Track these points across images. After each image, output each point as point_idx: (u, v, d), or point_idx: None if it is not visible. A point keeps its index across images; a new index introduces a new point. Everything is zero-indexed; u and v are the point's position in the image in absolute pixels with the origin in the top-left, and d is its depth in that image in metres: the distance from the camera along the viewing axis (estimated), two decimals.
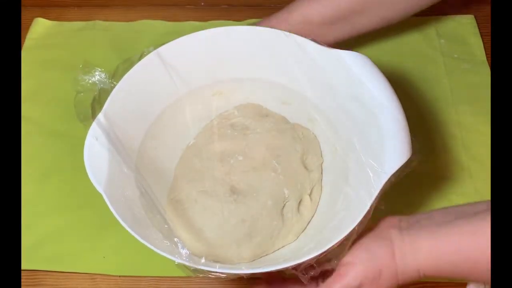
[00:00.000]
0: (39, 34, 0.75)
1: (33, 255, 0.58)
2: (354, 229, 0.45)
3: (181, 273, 0.47)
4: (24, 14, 0.76)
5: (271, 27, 0.56)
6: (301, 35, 0.55)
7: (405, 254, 0.46)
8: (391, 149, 0.48)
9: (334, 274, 0.47)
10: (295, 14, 0.60)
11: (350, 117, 0.53)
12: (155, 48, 0.55)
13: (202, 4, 0.80)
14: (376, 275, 0.46)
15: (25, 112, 0.66)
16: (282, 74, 0.58)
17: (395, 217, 0.49)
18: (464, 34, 0.72)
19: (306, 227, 0.54)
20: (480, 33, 0.72)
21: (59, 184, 0.63)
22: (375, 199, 0.46)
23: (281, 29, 0.55)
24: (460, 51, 0.71)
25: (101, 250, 0.59)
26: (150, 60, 0.54)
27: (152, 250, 0.45)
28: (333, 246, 0.45)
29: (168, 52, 0.55)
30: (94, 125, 0.50)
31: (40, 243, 0.59)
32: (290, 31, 0.55)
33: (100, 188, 0.47)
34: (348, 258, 0.47)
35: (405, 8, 0.62)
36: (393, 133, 0.48)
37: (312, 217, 0.55)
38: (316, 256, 0.45)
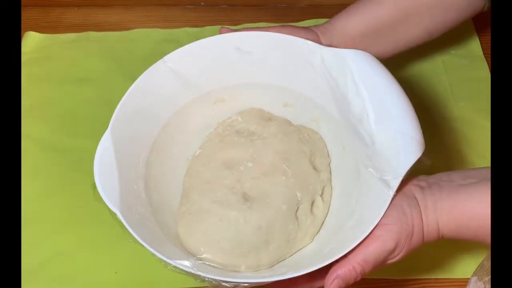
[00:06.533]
0: (31, 48, 0.73)
1: (38, 275, 0.56)
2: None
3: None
4: (24, 14, 0.75)
5: (308, 39, 0.55)
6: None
7: (428, 213, 0.46)
8: (404, 146, 0.48)
9: (367, 237, 0.45)
10: (337, 26, 0.60)
11: (357, 115, 0.53)
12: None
13: (202, 4, 0.80)
14: (409, 234, 0.45)
15: (23, 128, 0.64)
16: (282, 77, 0.58)
17: (413, 176, 0.48)
18: (460, 30, 0.73)
19: (320, 228, 0.54)
20: (475, 28, 0.74)
21: (62, 201, 0.61)
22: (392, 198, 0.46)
23: (320, 43, 0.55)
24: (457, 47, 0.72)
25: (113, 267, 0.58)
26: (154, 70, 0.54)
27: (163, 264, 0.46)
28: (360, 243, 0.45)
29: (173, 60, 0.55)
30: (101, 144, 0.49)
31: (46, 263, 0.57)
32: (330, 45, 0.55)
33: (115, 209, 0.46)
34: (381, 219, 0.45)
35: (444, 21, 0.62)
36: (405, 129, 0.49)
37: (325, 218, 0.55)
38: (343, 256, 0.45)
